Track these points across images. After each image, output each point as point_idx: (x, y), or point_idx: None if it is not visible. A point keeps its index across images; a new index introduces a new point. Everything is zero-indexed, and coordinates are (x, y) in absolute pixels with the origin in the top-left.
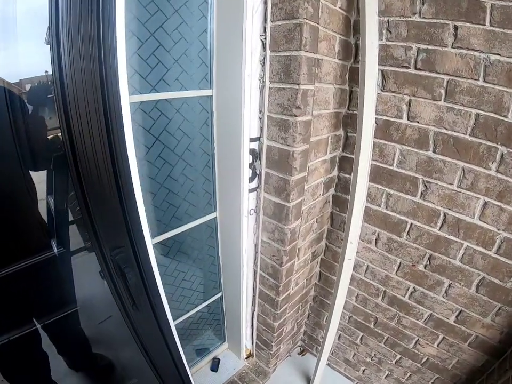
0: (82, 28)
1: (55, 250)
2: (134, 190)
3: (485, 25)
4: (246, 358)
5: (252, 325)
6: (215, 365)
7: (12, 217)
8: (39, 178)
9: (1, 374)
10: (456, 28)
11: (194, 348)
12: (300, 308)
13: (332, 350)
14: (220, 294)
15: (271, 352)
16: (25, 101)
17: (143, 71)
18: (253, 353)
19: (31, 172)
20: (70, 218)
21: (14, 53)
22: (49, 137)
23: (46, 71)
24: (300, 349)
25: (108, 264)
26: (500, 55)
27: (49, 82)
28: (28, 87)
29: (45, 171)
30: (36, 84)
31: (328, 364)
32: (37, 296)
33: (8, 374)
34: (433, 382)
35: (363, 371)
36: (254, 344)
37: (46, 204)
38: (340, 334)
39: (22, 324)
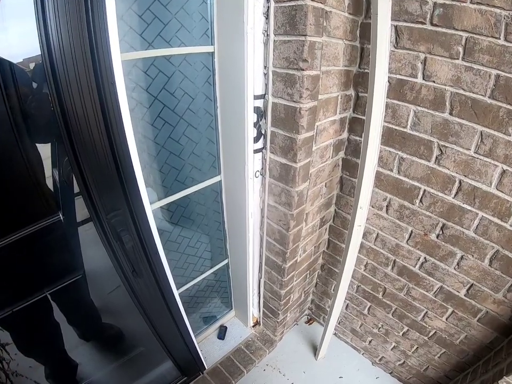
0: None
1: (62, 220)
2: (130, 152)
3: None
4: (253, 326)
5: (259, 293)
6: (221, 333)
7: (19, 185)
8: (45, 154)
9: (15, 344)
10: None
11: (201, 315)
12: (308, 276)
13: (339, 319)
14: (226, 261)
15: (278, 320)
16: (31, 78)
17: (138, 27)
18: (260, 322)
19: (38, 146)
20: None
21: (16, 33)
22: None
23: None
24: (307, 317)
25: (104, 228)
26: None
27: None
28: (32, 65)
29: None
30: (40, 62)
31: (335, 334)
32: (44, 262)
33: (21, 344)
34: (439, 356)
35: (369, 342)
36: (261, 312)
37: (51, 178)
38: (348, 304)
39: (32, 291)
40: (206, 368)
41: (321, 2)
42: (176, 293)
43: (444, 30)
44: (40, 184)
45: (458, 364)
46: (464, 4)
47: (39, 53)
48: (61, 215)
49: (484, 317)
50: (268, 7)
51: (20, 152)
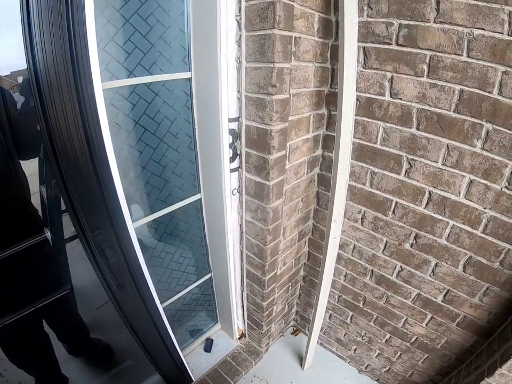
0: (53, 16)
1: (49, 237)
2: (112, 173)
3: None
4: (239, 338)
5: (243, 305)
6: (208, 346)
7: (6, 203)
8: (31, 171)
9: (6, 355)
10: (438, 2)
11: (188, 328)
12: (290, 288)
13: (324, 329)
14: (209, 275)
15: (262, 331)
16: (19, 92)
17: (119, 57)
18: (245, 334)
19: (22, 163)
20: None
21: (4, 46)
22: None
23: None
24: (293, 328)
25: (90, 245)
26: (483, 29)
27: None
28: (20, 79)
29: (37, 163)
30: (28, 76)
31: (320, 344)
32: (33, 278)
33: (12, 355)
34: (422, 361)
35: (354, 350)
36: (246, 324)
37: (39, 195)
38: (331, 314)
39: (21, 306)
40: (194, 380)
41: (288, 30)
42: (160, 306)
43: (409, 49)
44: (26, 202)
45: (442, 368)
46: (428, 24)
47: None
48: (48, 233)
49: (463, 321)
50: (240, 35)
51: (8, 170)
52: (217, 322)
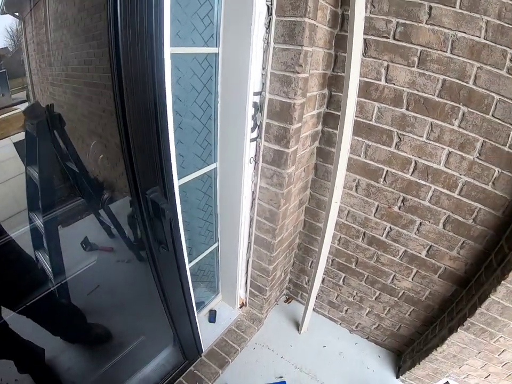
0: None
1: (40, 221)
2: (169, 134)
3: (455, 7)
4: (240, 308)
5: (246, 273)
6: (212, 316)
7: None
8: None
9: None
10: (431, 7)
11: None
12: (287, 255)
13: (317, 294)
14: (216, 245)
15: (265, 297)
16: None
17: None
18: (246, 303)
19: None
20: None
21: None
22: (31, 103)
23: None
24: (286, 297)
25: (141, 205)
26: (465, 33)
27: None
28: None
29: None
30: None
31: (313, 309)
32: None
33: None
34: (409, 314)
35: (346, 311)
36: (247, 292)
37: (25, 177)
38: (324, 278)
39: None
40: (203, 350)
41: (314, 19)
42: (188, 268)
43: (403, 44)
44: None
45: (427, 318)
46: (421, 24)
47: None
48: (36, 216)
49: (443, 273)
50: (270, 19)
51: None
52: (218, 293)
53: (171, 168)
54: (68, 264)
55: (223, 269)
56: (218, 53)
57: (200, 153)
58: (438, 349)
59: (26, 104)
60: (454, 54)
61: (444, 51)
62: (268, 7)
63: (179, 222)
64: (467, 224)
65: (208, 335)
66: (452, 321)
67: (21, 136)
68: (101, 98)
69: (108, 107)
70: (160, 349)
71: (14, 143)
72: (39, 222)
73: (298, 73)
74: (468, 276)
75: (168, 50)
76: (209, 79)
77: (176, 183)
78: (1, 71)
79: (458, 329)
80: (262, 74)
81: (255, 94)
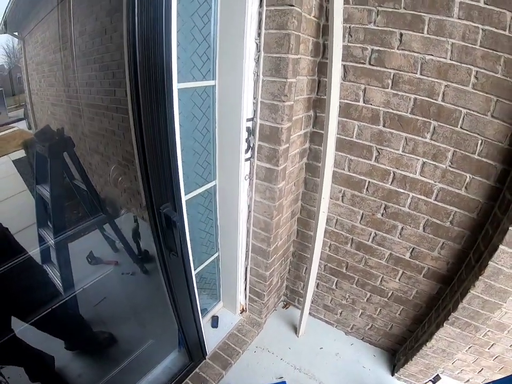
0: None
1: (50, 237)
2: (178, 156)
3: (423, 33)
4: (240, 313)
5: (245, 279)
6: (215, 322)
7: None
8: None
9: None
10: (401, 34)
11: None
12: (283, 262)
13: (312, 298)
14: (217, 254)
15: (263, 302)
16: None
17: None
18: (246, 308)
19: None
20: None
21: None
22: (41, 128)
23: None
24: (283, 303)
25: (155, 217)
26: (433, 55)
27: None
28: None
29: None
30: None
31: (309, 313)
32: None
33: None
34: (399, 313)
35: (340, 313)
36: (247, 298)
37: (35, 195)
38: (318, 283)
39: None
40: (207, 353)
41: (296, 54)
42: (193, 272)
43: (378, 68)
44: None
45: (416, 317)
46: (393, 50)
47: None
48: (47, 234)
49: (427, 272)
50: (259, 55)
51: None
52: (219, 300)
53: (179, 186)
54: (75, 278)
55: (223, 277)
56: (215, 84)
57: (201, 172)
58: (427, 344)
59: (23, 122)
60: (423, 75)
61: (414, 73)
62: (257, 44)
63: (186, 231)
64: (445, 226)
65: (211, 339)
66: (439, 318)
67: (20, 153)
68: (119, 123)
69: (126, 133)
70: (167, 353)
71: (12, 161)
72: (48, 237)
73: (284, 101)
74: (450, 274)
75: (175, 86)
76: (207, 108)
77: (184, 199)
78: None
79: (444, 324)
80: (253, 102)
81: (248, 120)
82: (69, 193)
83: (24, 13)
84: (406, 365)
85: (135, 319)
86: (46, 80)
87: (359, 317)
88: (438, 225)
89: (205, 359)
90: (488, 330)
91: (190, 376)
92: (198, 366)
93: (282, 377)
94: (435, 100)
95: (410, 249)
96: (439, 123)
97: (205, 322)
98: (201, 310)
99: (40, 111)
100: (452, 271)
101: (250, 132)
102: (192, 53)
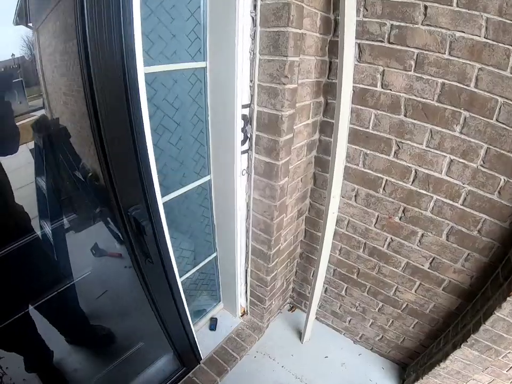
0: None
1: (49, 229)
2: (148, 151)
3: (452, 6)
4: (241, 316)
5: (246, 282)
6: (213, 324)
7: None
8: (16, 165)
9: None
10: (426, 7)
11: (193, 309)
12: (288, 264)
13: (320, 303)
14: (214, 254)
15: (265, 306)
16: None
17: (145, 45)
18: (247, 311)
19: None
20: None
21: None
22: (36, 117)
23: (13, 54)
24: (290, 305)
25: (124, 220)
26: (464, 32)
27: (16, 66)
28: None
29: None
30: (2, 69)
31: (316, 318)
32: (29, 277)
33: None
34: (413, 327)
35: (349, 321)
36: (248, 301)
37: (35, 187)
38: (326, 288)
39: (17, 307)
40: (202, 358)
41: (298, 28)
42: (179, 280)
43: (399, 47)
44: (8, 205)
45: (431, 332)
46: (416, 26)
47: (4, 58)
48: (47, 226)
49: (448, 286)
50: (255, 30)
51: None
52: (219, 301)
53: (153, 186)
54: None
55: (223, 278)
56: (206, 66)
57: (192, 166)
58: (441, 364)
59: (43, 111)
60: (452, 56)
61: (442, 53)
62: (253, 18)
63: (166, 237)
64: (472, 235)
65: (208, 342)
66: (456, 336)
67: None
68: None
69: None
70: (160, 354)
71: (30, 150)
72: (47, 229)
73: (284, 84)
74: (473, 290)
75: (141, 68)
76: (198, 93)
77: (160, 200)
78: (18, 79)
79: (462, 346)
80: (250, 86)
81: (244, 106)
82: (69, 185)
83: (36, 4)
84: (416, 383)
85: (132, 316)
86: (58, 70)
87: (369, 326)
88: (464, 233)
89: (200, 364)
90: (509, 352)
91: (182, 381)
92: (192, 371)
93: None
94: (467, 85)
95: (430, 259)
96: (471, 114)
97: (202, 324)
98: (200, 311)
99: (55, 100)
100: (476, 287)
101: (247, 120)
102: (177, 31)
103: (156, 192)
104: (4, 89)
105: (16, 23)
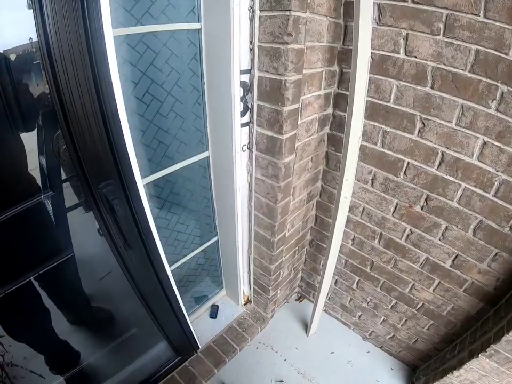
0: None
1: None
2: (122, 125)
3: None
4: (244, 304)
5: (249, 269)
6: (214, 312)
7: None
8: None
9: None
10: None
11: (193, 295)
12: (297, 252)
13: (329, 296)
14: (215, 238)
15: (269, 296)
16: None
17: (127, 4)
18: (251, 300)
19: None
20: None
21: None
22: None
23: (30, 38)
24: (297, 295)
25: (95, 198)
26: None
27: (34, 49)
28: (13, 57)
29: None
30: (21, 53)
31: (325, 310)
32: (28, 244)
33: (10, 328)
34: (428, 328)
35: (359, 317)
36: (252, 289)
37: (39, 167)
38: (336, 279)
39: (18, 275)
40: (200, 347)
41: None
42: (167, 268)
43: (425, 7)
44: (22, 173)
45: (447, 335)
46: None
47: (23, 42)
48: (42, 198)
49: (470, 287)
50: None
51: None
52: (222, 288)
53: (128, 159)
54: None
55: (225, 264)
56: (201, 28)
57: (187, 140)
58: (454, 372)
59: None
60: (488, 18)
61: (476, 14)
62: None
63: (148, 219)
64: (502, 232)
65: (207, 331)
66: (474, 344)
67: None
68: None
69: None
70: (154, 342)
71: None
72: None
73: (288, 43)
74: (498, 294)
75: (109, 30)
76: (192, 59)
77: (139, 177)
78: (36, 62)
79: (479, 355)
80: (250, 49)
81: (243, 72)
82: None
83: None
84: None
85: (127, 300)
86: None
87: (380, 323)
88: (494, 229)
89: (196, 353)
90: None
91: (178, 369)
92: (189, 360)
93: (282, 381)
94: (505, 54)
95: (453, 256)
96: (509, 88)
97: (203, 311)
98: (201, 297)
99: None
100: (501, 291)
101: (247, 88)
102: None
103: (133, 167)
104: (24, 72)
105: (30, 7)
